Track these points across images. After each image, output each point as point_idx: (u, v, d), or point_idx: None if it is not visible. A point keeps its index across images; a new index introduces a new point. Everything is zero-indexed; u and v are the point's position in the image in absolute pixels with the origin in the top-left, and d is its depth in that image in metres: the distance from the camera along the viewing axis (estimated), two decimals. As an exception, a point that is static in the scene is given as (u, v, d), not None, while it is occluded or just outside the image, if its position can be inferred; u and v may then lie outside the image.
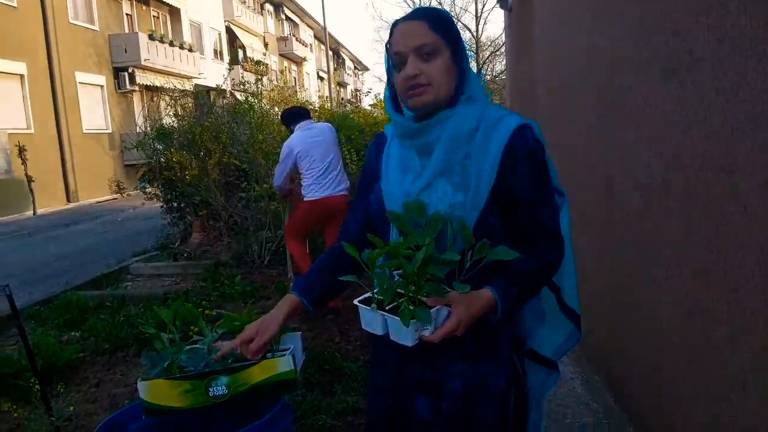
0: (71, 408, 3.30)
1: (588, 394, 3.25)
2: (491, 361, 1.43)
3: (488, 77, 27.19)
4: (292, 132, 5.01)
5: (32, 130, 15.27)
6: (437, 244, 1.29)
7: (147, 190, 7.74)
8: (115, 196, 15.82)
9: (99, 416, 3.24)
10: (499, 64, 27.54)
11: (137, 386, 1.50)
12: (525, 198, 1.36)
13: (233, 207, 7.18)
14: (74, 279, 6.64)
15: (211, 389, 1.51)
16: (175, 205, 7.83)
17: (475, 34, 26.35)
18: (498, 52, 26.69)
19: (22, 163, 13.91)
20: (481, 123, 1.36)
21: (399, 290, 1.29)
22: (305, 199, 4.93)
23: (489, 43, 28.07)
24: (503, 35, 14.06)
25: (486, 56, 27.25)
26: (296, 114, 5.09)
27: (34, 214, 14.02)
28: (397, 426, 1.51)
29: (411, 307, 1.24)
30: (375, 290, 1.34)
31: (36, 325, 5.00)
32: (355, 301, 1.36)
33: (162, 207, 7.89)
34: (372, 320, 1.32)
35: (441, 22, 1.35)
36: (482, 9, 29.06)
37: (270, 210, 6.76)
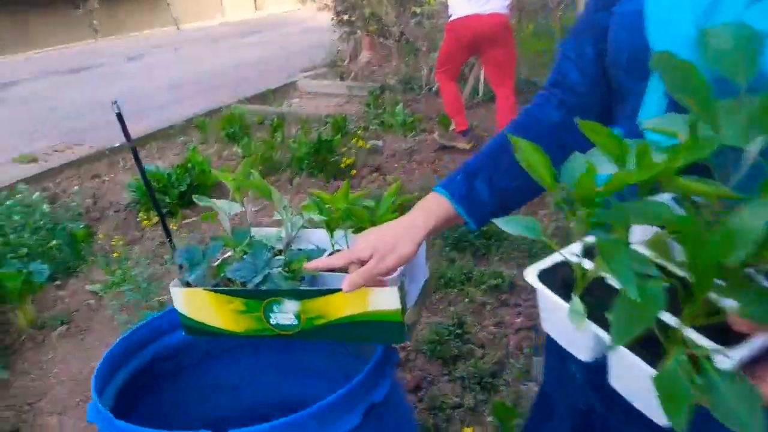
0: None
1: None
2: None
3: None
4: None
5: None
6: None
7: (317, -2, 7.20)
8: (299, 6, 15.65)
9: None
10: None
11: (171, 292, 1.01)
12: None
13: (405, 23, 6.40)
14: (244, 90, 6.59)
15: (272, 315, 0.97)
16: (345, 18, 7.23)
17: None
18: None
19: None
20: None
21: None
22: (449, 19, 3.95)
23: None
24: None
25: None
26: None
27: (222, 20, 14.42)
28: None
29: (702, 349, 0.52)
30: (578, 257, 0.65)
31: (200, 136, 5.00)
32: (536, 283, 0.68)
33: (332, 19, 7.36)
34: (570, 331, 0.63)
35: None
36: None
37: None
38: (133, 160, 2.22)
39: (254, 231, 1.20)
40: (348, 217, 1.03)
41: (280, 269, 0.97)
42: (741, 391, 0.47)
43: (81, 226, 2.95)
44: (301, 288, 0.95)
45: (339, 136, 4.41)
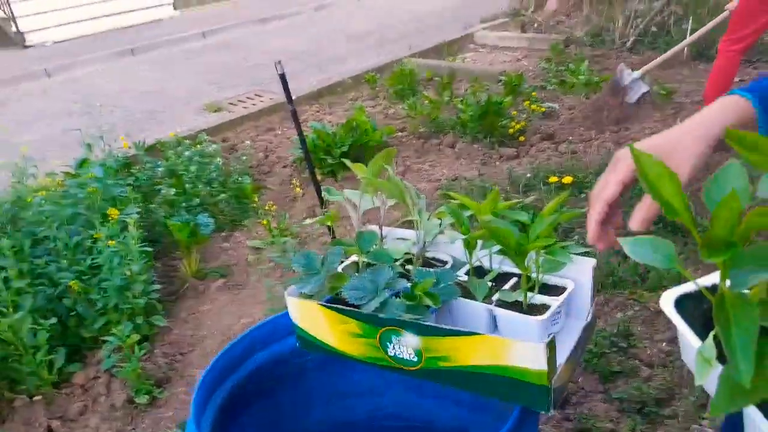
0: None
1: None
2: None
3: None
4: None
5: None
6: None
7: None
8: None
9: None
10: None
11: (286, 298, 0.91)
12: None
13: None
14: (420, 42, 6.42)
15: (389, 346, 0.83)
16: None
17: None
18: None
19: None
20: None
21: None
22: None
23: None
24: None
25: None
26: None
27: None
28: None
29: None
30: None
31: (370, 91, 4.98)
32: (672, 313, 0.68)
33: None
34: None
35: None
36: None
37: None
38: (297, 118, 2.19)
39: (387, 231, 1.05)
40: (490, 236, 0.83)
41: (401, 298, 0.81)
42: None
43: (248, 182, 3.07)
44: (424, 322, 0.79)
45: (510, 97, 4.09)
